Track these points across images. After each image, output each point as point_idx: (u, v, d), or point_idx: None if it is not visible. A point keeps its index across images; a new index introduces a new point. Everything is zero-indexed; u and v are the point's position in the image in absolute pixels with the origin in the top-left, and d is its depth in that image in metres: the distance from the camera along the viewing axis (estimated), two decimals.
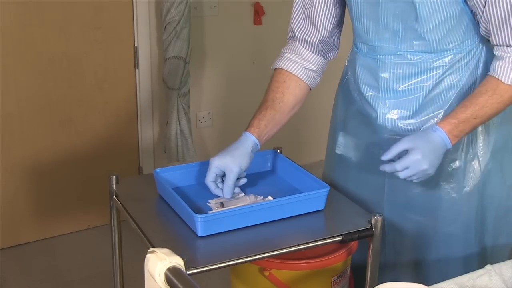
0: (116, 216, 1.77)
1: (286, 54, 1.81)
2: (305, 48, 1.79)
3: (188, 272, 1.36)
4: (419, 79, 1.68)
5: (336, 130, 1.91)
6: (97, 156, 3.27)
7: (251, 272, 1.72)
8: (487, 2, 1.53)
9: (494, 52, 1.58)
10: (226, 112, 3.61)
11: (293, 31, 1.81)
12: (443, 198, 1.72)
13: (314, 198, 1.64)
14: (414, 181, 1.57)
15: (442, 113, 1.68)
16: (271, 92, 1.77)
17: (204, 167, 1.79)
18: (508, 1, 1.50)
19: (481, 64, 1.67)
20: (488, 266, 1.44)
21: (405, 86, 1.69)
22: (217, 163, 1.64)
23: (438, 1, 1.57)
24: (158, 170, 1.74)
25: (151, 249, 1.29)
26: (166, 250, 1.28)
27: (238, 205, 1.63)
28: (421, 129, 1.68)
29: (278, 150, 1.90)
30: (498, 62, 1.56)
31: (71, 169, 3.23)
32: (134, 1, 3.17)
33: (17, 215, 3.16)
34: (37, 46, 3.01)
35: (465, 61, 1.66)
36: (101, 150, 3.28)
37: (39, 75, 3.05)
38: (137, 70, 3.27)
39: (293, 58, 1.79)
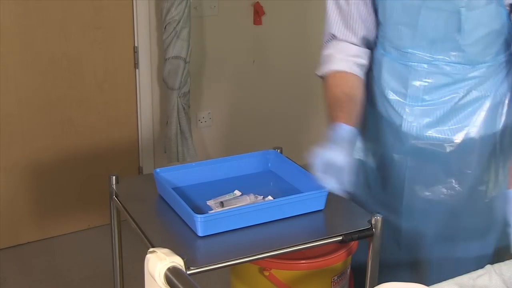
0: (116, 216, 1.77)
1: (334, 55, 1.72)
2: (351, 44, 1.74)
3: (188, 272, 1.36)
4: (450, 89, 1.64)
5: None
6: (97, 156, 3.27)
7: (251, 272, 1.72)
8: None
9: None
10: (226, 112, 3.61)
11: (334, 35, 1.74)
12: (462, 208, 1.70)
13: (314, 198, 1.64)
14: None
15: (470, 123, 1.65)
16: (338, 91, 1.68)
17: (204, 167, 1.79)
18: None
19: (511, 75, 1.65)
20: (488, 266, 1.44)
21: (435, 96, 1.65)
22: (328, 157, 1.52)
23: (484, 16, 1.53)
24: (158, 170, 1.74)
25: (151, 249, 1.29)
26: (166, 250, 1.28)
27: (238, 205, 1.63)
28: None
29: (278, 150, 1.90)
30: None
31: (71, 169, 3.23)
32: (134, 1, 3.17)
33: (17, 215, 3.16)
34: (37, 46, 3.01)
35: (497, 72, 1.63)
36: (101, 150, 3.28)
37: (39, 75, 3.05)
38: (137, 70, 3.27)
39: (342, 57, 1.72)
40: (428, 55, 1.63)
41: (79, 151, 3.22)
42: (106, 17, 3.13)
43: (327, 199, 1.65)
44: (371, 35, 1.75)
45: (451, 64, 1.62)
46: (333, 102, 1.68)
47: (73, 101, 3.15)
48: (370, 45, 1.77)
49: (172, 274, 1.23)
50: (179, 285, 1.21)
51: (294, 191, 1.73)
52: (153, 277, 1.25)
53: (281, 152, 1.91)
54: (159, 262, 1.24)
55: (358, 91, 1.70)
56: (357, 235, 1.58)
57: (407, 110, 1.68)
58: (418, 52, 1.64)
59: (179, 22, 3.08)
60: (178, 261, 1.26)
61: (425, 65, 1.64)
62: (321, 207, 1.66)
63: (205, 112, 3.54)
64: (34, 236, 3.22)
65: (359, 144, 1.83)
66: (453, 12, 1.54)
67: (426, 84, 1.65)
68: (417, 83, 1.66)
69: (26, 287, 2.89)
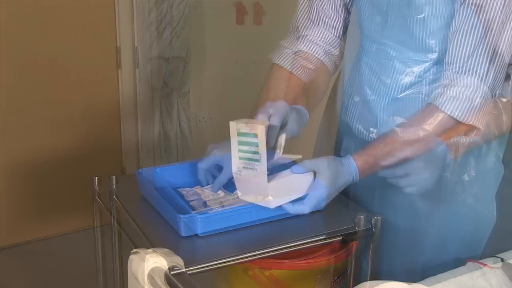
0: (99, 218, 1.79)
1: (288, 48, 1.79)
2: (306, 47, 1.79)
3: (188, 272, 1.36)
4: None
5: (341, 133, 1.89)
6: (81, 157, 3.25)
7: (250, 272, 1.72)
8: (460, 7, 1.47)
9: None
10: (226, 112, 3.61)
11: (297, 28, 1.79)
12: (428, 211, 1.70)
13: None
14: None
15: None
16: (271, 95, 1.79)
17: (195, 166, 1.78)
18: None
19: None
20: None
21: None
22: (217, 157, 1.62)
23: None
24: (158, 169, 1.74)
25: (150, 250, 1.29)
26: (166, 250, 1.28)
27: (237, 205, 1.62)
28: None
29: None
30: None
31: (71, 169, 3.23)
32: (116, 1, 3.15)
33: (17, 215, 3.16)
34: (18, 47, 2.98)
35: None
36: (84, 150, 3.26)
37: (20, 76, 3.02)
38: (119, 70, 3.26)
39: (293, 55, 1.80)
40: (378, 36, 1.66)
41: (76, 150, 3.21)
42: (88, 17, 3.11)
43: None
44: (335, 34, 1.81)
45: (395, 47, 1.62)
46: (261, 102, 1.78)
47: (55, 102, 3.13)
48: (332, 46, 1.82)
49: (172, 274, 1.23)
50: (179, 285, 1.21)
51: None
52: (153, 278, 1.25)
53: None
54: (159, 262, 1.24)
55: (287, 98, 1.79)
56: (357, 235, 1.58)
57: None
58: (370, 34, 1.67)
59: (179, 22, 3.08)
60: (178, 261, 1.26)
61: (375, 45, 1.68)
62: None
63: (205, 112, 3.54)
64: (34, 236, 3.22)
65: (345, 142, 1.86)
66: None
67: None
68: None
69: (26, 287, 2.89)
